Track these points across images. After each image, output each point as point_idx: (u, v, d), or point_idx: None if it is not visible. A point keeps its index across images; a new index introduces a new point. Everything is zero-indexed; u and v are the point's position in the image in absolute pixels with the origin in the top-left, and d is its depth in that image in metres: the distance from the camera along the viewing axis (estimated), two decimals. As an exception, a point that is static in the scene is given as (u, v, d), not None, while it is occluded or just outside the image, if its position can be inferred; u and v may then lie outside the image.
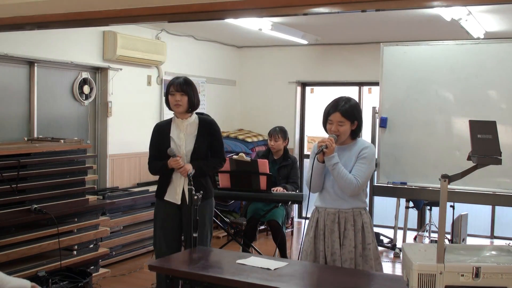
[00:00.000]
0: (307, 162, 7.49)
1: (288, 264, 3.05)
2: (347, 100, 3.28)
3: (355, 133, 3.30)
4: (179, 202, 3.87)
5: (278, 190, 5.02)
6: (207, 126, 3.90)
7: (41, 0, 3.07)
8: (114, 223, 5.44)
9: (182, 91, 3.80)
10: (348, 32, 6.78)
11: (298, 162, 5.49)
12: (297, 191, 5.17)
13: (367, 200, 3.38)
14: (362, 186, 3.21)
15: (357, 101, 3.38)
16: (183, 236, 3.99)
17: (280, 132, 5.31)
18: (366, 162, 3.22)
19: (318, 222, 3.30)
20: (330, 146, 3.12)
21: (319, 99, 7.85)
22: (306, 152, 8.04)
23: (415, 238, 6.92)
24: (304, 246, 3.38)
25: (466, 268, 2.25)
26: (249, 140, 7.54)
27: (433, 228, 6.56)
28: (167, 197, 3.91)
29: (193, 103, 3.85)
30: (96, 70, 6.02)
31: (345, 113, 3.21)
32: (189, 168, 3.75)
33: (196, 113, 3.99)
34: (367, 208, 3.37)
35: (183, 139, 3.86)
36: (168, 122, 3.96)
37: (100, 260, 5.07)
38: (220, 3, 2.65)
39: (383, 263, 6.00)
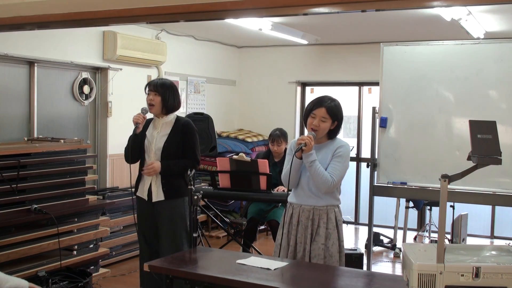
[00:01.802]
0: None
1: (288, 264, 3.06)
2: (332, 99, 3.37)
3: (333, 133, 3.37)
4: (146, 198, 3.93)
5: (280, 189, 5.02)
6: (180, 127, 3.94)
7: (41, 0, 3.07)
8: (114, 223, 5.44)
9: (155, 91, 3.89)
10: (348, 32, 6.78)
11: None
12: None
13: (340, 197, 3.45)
14: (336, 184, 3.29)
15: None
16: (159, 234, 3.96)
17: (281, 136, 5.31)
18: (341, 161, 3.30)
19: (292, 218, 3.37)
20: (309, 143, 3.19)
21: (319, 99, 7.83)
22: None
23: (415, 238, 6.92)
24: (278, 240, 3.45)
25: (466, 268, 2.25)
26: (249, 140, 7.54)
27: (433, 228, 6.56)
28: (138, 193, 3.99)
29: (166, 104, 3.90)
30: (96, 70, 6.02)
31: (330, 110, 3.30)
32: (157, 166, 3.82)
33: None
34: (340, 205, 3.44)
35: (155, 137, 3.92)
36: (150, 121, 4.05)
37: (100, 260, 5.06)
38: (220, 3, 2.65)
39: (383, 263, 6.08)
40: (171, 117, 3.98)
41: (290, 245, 3.35)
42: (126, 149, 3.97)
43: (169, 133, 3.91)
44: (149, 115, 4.02)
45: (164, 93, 3.89)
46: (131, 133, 3.92)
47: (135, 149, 3.92)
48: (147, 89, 3.97)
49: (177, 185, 3.89)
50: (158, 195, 3.88)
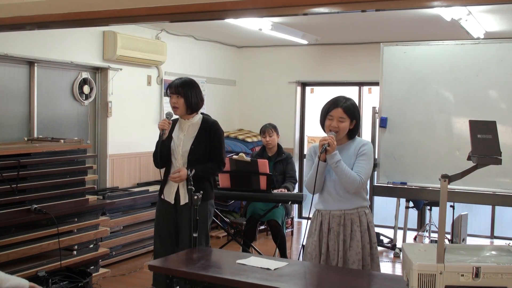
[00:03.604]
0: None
1: (288, 264, 3.05)
2: (347, 98, 3.31)
3: (353, 132, 3.31)
4: (172, 202, 3.89)
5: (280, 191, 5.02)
6: (207, 128, 3.89)
7: (41, 0, 3.07)
8: (114, 223, 5.44)
9: (177, 93, 3.82)
10: (348, 32, 6.78)
11: (293, 158, 5.51)
12: (296, 185, 5.20)
13: (367, 197, 3.40)
14: (365, 182, 3.23)
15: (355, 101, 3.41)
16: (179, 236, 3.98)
17: (271, 127, 5.37)
18: (366, 159, 3.24)
19: (322, 225, 3.28)
20: (332, 143, 3.12)
21: (319, 99, 7.84)
22: (306, 152, 8.03)
23: (415, 238, 6.92)
24: (308, 249, 3.34)
25: (466, 268, 2.25)
26: (249, 140, 7.54)
27: (433, 228, 6.56)
28: (163, 196, 3.95)
29: (190, 104, 3.84)
30: (96, 70, 6.02)
31: (346, 109, 3.23)
32: (183, 174, 3.76)
33: (201, 114, 3.98)
34: (368, 206, 3.38)
35: (182, 139, 3.87)
36: (175, 122, 3.99)
37: (100, 260, 5.06)
38: (220, 3, 2.65)
39: (383, 263, 6.08)
40: (197, 117, 3.92)
41: (322, 253, 3.25)
42: (155, 154, 3.91)
43: (195, 135, 3.86)
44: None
45: (185, 93, 3.82)
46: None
47: (164, 155, 3.85)
48: (168, 92, 3.88)
49: (203, 189, 3.82)
50: (186, 199, 3.84)
